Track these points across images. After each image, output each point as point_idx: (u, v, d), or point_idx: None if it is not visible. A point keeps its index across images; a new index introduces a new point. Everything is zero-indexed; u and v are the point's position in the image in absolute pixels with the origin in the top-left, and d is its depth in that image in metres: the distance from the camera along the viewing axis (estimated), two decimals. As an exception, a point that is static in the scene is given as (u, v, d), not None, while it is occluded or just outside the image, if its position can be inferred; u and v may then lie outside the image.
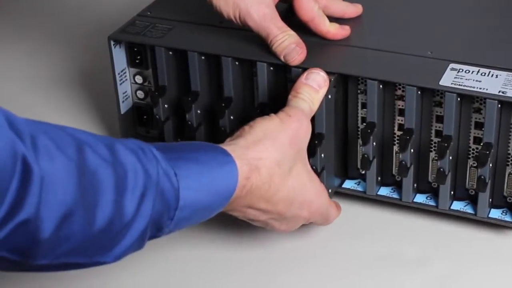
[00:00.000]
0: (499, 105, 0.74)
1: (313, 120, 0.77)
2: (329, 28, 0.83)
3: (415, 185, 0.82)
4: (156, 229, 0.63)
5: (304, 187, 0.73)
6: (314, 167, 0.78)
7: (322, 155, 0.79)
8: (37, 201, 0.53)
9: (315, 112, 0.76)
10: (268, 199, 0.71)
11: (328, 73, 0.77)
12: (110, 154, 0.60)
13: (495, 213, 0.80)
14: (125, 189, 0.59)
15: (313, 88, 0.76)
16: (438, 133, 0.80)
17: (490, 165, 0.77)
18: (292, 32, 0.80)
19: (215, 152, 0.67)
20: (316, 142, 0.78)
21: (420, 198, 0.82)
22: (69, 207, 0.56)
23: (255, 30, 0.80)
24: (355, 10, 0.87)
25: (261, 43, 0.81)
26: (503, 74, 0.76)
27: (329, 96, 0.78)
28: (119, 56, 0.88)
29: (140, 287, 0.78)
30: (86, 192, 0.57)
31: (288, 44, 0.79)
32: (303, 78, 0.76)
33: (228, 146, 0.69)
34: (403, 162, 0.79)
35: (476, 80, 0.75)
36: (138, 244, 0.62)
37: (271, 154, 0.70)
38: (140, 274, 0.79)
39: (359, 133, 0.82)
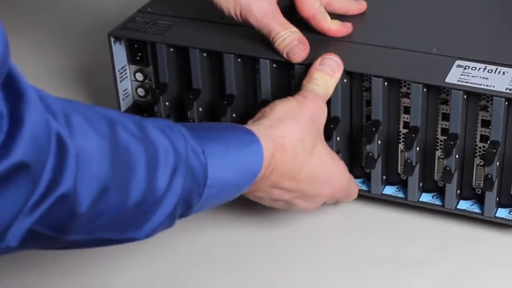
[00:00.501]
0: (506, 103, 0.74)
1: (328, 104, 0.77)
2: (330, 26, 0.82)
3: (420, 184, 0.81)
4: (186, 207, 0.64)
5: (326, 165, 0.75)
6: None
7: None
8: (74, 177, 0.54)
9: (331, 96, 0.77)
10: (292, 177, 0.72)
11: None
12: (140, 132, 0.61)
13: (502, 213, 0.79)
14: (157, 165, 0.61)
15: (327, 73, 0.76)
16: (444, 131, 0.79)
17: (497, 163, 0.76)
18: (294, 29, 0.80)
19: (241, 132, 0.69)
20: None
21: (425, 197, 0.82)
22: (104, 182, 0.57)
23: (257, 27, 0.79)
24: (358, 6, 0.87)
25: (264, 39, 0.80)
26: (510, 71, 0.75)
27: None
28: (119, 53, 0.88)
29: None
30: (119, 168, 0.58)
31: (290, 41, 0.79)
32: (317, 63, 0.77)
33: (253, 127, 0.70)
34: (409, 161, 0.78)
35: (483, 77, 0.75)
36: (169, 221, 0.63)
37: (295, 132, 0.72)
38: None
39: (364, 131, 0.81)
